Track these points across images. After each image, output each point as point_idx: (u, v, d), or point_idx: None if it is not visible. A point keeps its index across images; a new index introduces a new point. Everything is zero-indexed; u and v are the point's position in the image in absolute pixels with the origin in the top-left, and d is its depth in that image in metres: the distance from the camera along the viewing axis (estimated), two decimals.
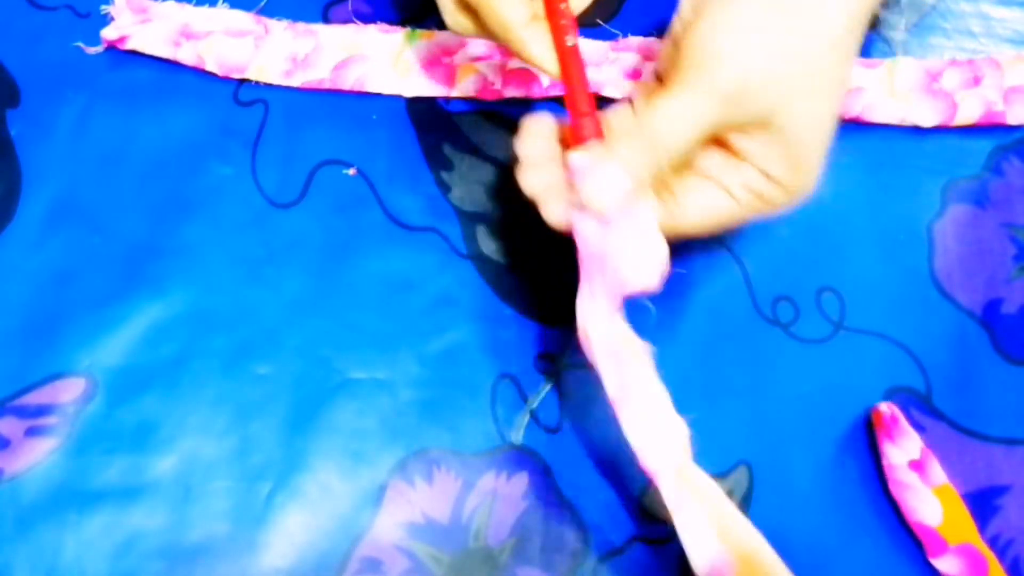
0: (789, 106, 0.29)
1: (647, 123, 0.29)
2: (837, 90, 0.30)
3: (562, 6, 0.31)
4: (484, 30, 0.32)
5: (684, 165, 0.31)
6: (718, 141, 0.30)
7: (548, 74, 0.32)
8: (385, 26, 0.40)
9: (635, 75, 0.39)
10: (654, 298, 0.37)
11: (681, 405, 0.35)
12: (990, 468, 0.35)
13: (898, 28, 0.42)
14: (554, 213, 0.30)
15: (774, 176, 0.30)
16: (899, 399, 0.36)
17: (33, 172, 0.38)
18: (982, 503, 0.35)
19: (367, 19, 0.41)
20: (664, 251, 0.29)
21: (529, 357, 0.36)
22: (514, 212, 0.38)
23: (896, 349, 0.36)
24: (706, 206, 0.30)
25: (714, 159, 0.30)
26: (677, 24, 0.30)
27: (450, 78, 0.39)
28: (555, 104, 0.40)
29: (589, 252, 0.30)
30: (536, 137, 0.31)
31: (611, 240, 0.29)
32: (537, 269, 0.37)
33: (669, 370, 0.36)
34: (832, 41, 0.29)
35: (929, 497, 0.33)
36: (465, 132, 0.39)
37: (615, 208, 0.29)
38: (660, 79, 0.31)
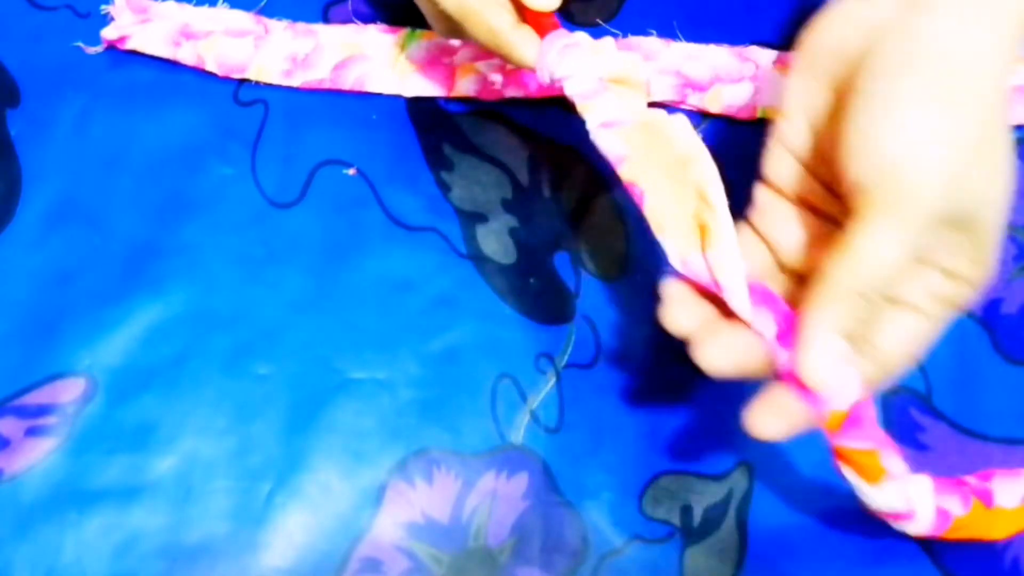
0: (989, 193, 0.26)
1: (858, 274, 0.25)
2: (1009, 153, 0.26)
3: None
4: (471, 36, 0.32)
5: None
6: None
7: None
8: (385, 26, 0.40)
9: None
10: (653, 299, 0.37)
11: (681, 405, 0.35)
12: (990, 468, 0.35)
13: None
14: (713, 359, 0.27)
15: (960, 274, 0.26)
16: (899, 399, 0.36)
17: (33, 172, 0.38)
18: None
19: (367, 19, 0.41)
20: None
21: (529, 357, 0.36)
22: (515, 212, 0.38)
23: None
24: (905, 338, 0.27)
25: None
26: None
27: (450, 78, 0.39)
28: (556, 104, 0.40)
29: None
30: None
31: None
32: (537, 269, 0.37)
33: (669, 370, 0.36)
34: (995, 104, 0.26)
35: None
36: (465, 132, 0.39)
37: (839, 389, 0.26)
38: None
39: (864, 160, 0.25)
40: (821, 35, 0.28)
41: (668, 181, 0.29)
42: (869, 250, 0.25)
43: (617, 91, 0.30)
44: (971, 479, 0.31)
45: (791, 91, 0.29)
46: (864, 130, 0.25)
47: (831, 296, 0.26)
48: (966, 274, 0.26)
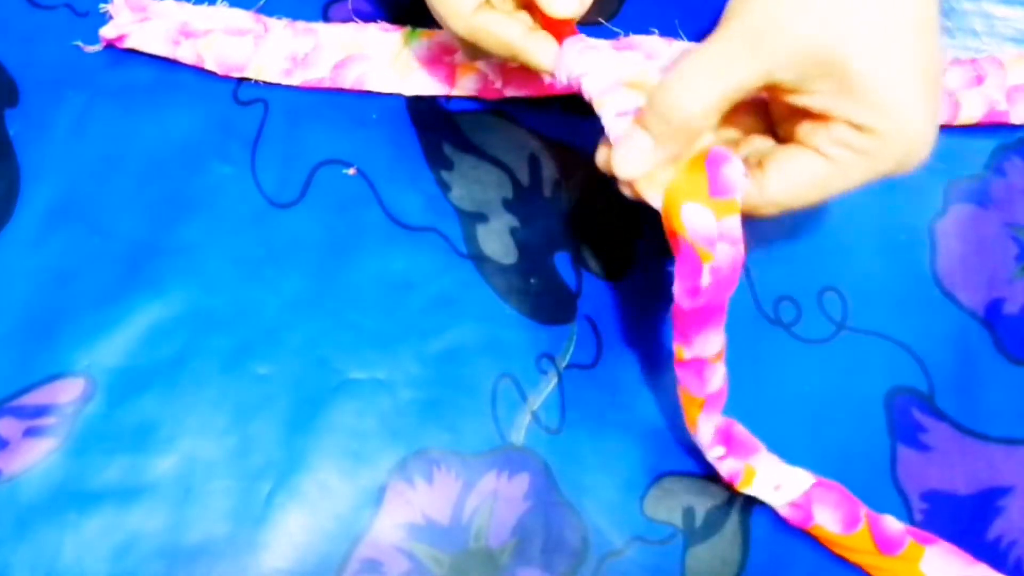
0: (844, 36, 0.26)
1: (665, 87, 0.27)
2: (913, 15, 0.26)
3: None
4: (490, 53, 0.33)
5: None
6: (799, 112, 0.28)
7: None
8: (385, 25, 0.40)
9: None
10: (655, 296, 0.37)
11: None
12: (992, 469, 0.35)
13: None
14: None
15: (864, 125, 0.27)
16: (901, 399, 0.36)
17: (32, 171, 0.38)
18: (984, 504, 0.35)
19: (367, 18, 0.41)
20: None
21: (530, 357, 0.36)
22: (515, 211, 0.38)
23: (898, 349, 0.36)
24: (795, 170, 0.28)
25: (801, 127, 0.28)
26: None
27: (450, 77, 0.39)
28: (557, 103, 0.40)
29: None
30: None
31: None
32: (538, 269, 0.37)
33: (671, 370, 0.36)
34: None
35: None
36: (465, 131, 0.39)
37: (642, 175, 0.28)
38: None
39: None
40: None
41: None
42: (686, 67, 0.27)
43: (634, 90, 0.30)
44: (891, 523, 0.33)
45: None
46: None
47: (648, 99, 0.28)
48: (871, 124, 0.27)
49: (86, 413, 0.34)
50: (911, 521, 0.34)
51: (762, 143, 0.31)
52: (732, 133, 0.32)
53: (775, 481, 0.33)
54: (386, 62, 0.39)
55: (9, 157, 0.38)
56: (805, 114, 0.28)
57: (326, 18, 0.41)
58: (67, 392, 0.34)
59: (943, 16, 0.41)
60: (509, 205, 0.38)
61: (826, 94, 0.27)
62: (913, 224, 0.38)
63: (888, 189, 0.39)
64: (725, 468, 0.33)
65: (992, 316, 0.37)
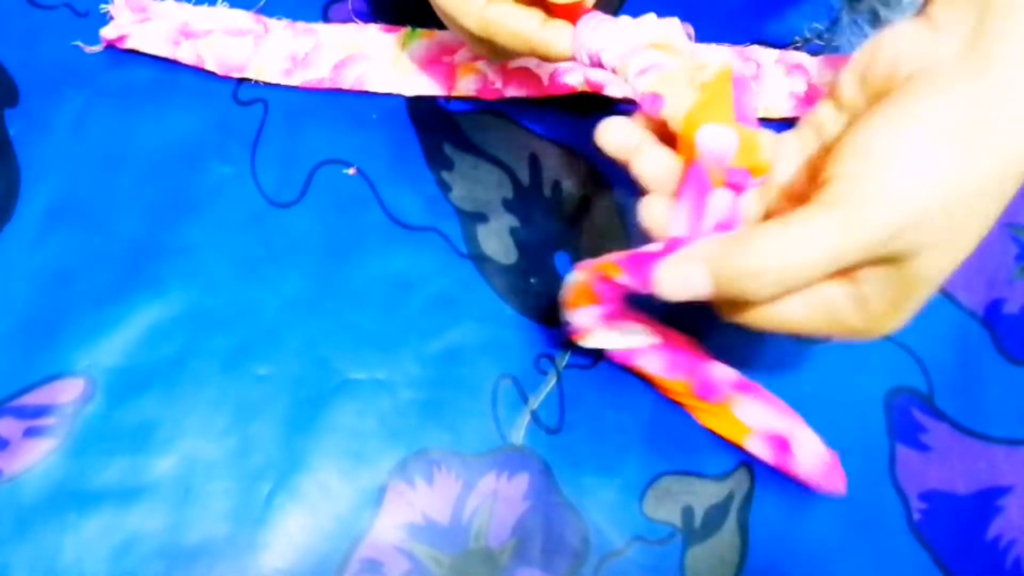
0: (928, 253, 0.25)
1: (761, 251, 0.25)
2: (977, 240, 0.25)
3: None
4: (507, 51, 0.32)
5: None
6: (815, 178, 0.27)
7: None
8: (385, 25, 0.40)
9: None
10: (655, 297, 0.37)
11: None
12: (992, 469, 0.35)
13: None
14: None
15: (870, 309, 0.26)
16: (901, 400, 0.36)
17: (32, 171, 0.38)
18: (983, 504, 0.35)
19: (367, 18, 0.41)
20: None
21: (530, 357, 0.36)
22: (515, 211, 0.38)
23: (898, 350, 0.36)
24: (775, 314, 0.26)
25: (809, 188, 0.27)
26: (837, 100, 0.27)
27: (450, 77, 0.39)
28: (557, 103, 0.40)
29: None
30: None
31: None
32: (538, 269, 0.37)
33: None
34: (1004, 179, 0.25)
35: None
36: (466, 131, 0.39)
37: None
38: (811, 175, 0.27)
39: (856, 155, 0.25)
40: (883, 45, 0.27)
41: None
42: (802, 231, 0.25)
43: (657, 50, 0.29)
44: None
45: (839, 80, 0.28)
46: (873, 131, 0.25)
47: (730, 246, 0.25)
48: (873, 311, 0.26)
49: (86, 413, 0.34)
50: (910, 521, 0.34)
51: None
52: None
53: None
54: (386, 62, 0.39)
55: (9, 157, 0.38)
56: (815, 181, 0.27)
57: (326, 18, 0.41)
58: (67, 392, 0.34)
59: None
60: (509, 205, 0.38)
61: (872, 271, 0.25)
62: None
63: None
64: (577, 320, 0.32)
65: (992, 316, 0.37)
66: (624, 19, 0.30)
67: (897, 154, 0.24)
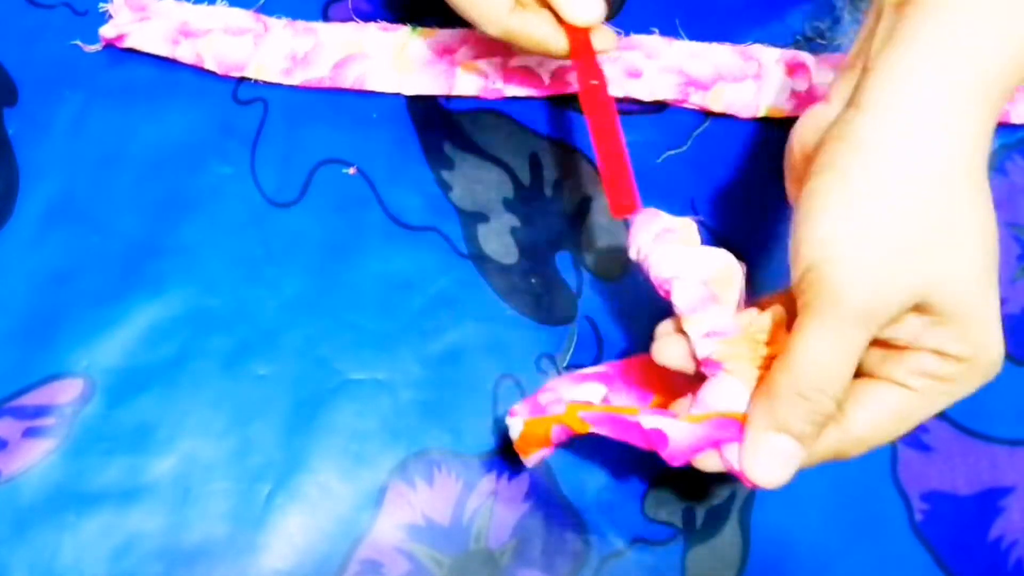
0: (935, 276, 0.25)
1: (796, 377, 0.25)
2: (983, 225, 0.26)
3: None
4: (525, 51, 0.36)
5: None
6: (873, 342, 0.26)
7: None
8: (385, 24, 0.40)
9: (637, 74, 0.39)
10: (657, 297, 0.37)
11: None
12: (994, 469, 0.35)
13: None
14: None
15: (951, 353, 0.26)
16: None
17: (31, 171, 0.37)
18: (985, 504, 0.35)
19: (367, 17, 0.41)
20: None
21: (530, 357, 0.36)
22: (516, 211, 0.38)
23: None
24: (878, 407, 0.26)
25: (873, 357, 0.27)
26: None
27: (451, 76, 0.39)
28: (557, 103, 0.40)
29: None
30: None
31: None
32: (539, 269, 0.37)
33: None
34: (960, 177, 0.25)
35: None
36: (466, 131, 0.39)
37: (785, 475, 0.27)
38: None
39: (796, 263, 0.26)
40: (793, 137, 0.29)
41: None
42: (804, 354, 0.25)
43: (718, 296, 0.28)
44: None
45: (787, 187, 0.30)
46: (796, 233, 0.26)
47: (773, 397, 0.26)
48: (957, 353, 0.26)
49: (85, 414, 0.34)
50: (912, 521, 0.34)
51: None
52: None
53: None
54: (386, 61, 0.39)
55: (8, 156, 0.38)
56: (879, 343, 0.26)
57: (326, 17, 0.41)
58: (66, 392, 0.34)
59: None
60: (510, 205, 0.38)
61: (915, 327, 0.26)
62: None
63: None
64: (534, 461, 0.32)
65: None
66: (677, 226, 0.29)
67: (820, 238, 0.25)
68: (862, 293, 0.24)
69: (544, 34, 0.33)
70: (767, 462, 0.26)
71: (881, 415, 0.27)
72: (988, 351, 0.26)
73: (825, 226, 0.25)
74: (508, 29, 0.33)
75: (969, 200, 0.25)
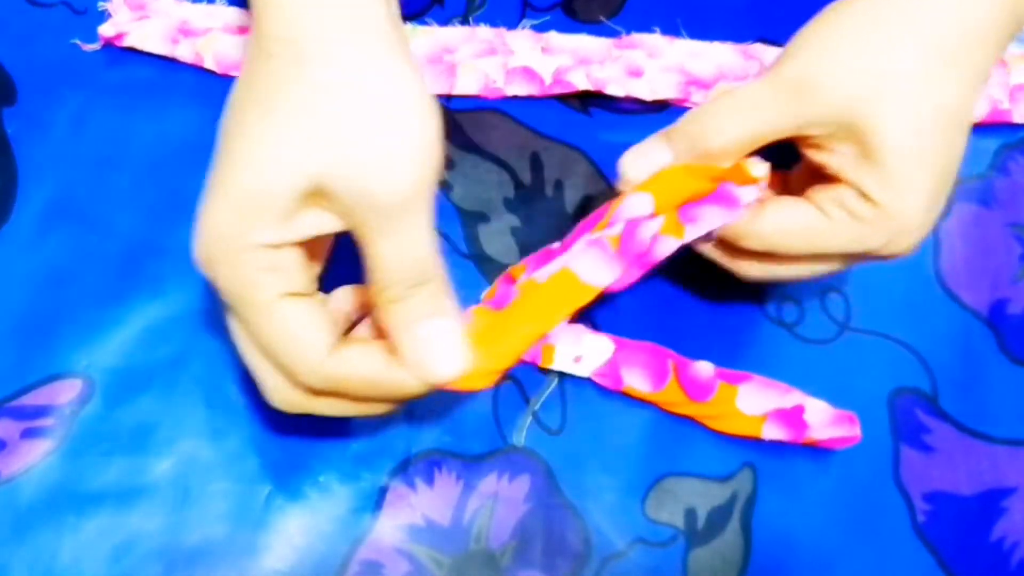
0: (877, 108, 0.26)
1: (698, 117, 0.28)
2: (947, 106, 0.27)
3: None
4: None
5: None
6: (813, 173, 0.29)
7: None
8: None
9: (638, 73, 0.39)
10: (659, 298, 0.37)
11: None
12: (996, 470, 0.35)
13: None
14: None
15: (871, 195, 0.27)
16: (905, 400, 0.36)
17: (29, 171, 0.37)
18: (987, 505, 0.34)
19: None
20: None
21: None
22: (517, 211, 0.38)
23: (902, 350, 0.36)
24: (790, 215, 0.29)
25: (811, 187, 0.29)
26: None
27: (451, 76, 0.39)
28: (558, 102, 0.39)
29: None
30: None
31: None
32: None
33: None
34: (936, 50, 0.26)
35: None
36: (467, 130, 0.39)
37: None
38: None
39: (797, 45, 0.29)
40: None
41: None
42: (720, 101, 0.28)
43: None
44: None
45: None
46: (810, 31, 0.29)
47: (680, 126, 0.29)
48: (876, 197, 0.27)
49: (84, 414, 0.34)
50: (914, 522, 0.34)
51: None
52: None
53: (575, 353, 0.34)
54: None
55: (7, 156, 0.37)
56: (818, 176, 0.29)
57: None
58: (65, 393, 0.34)
59: None
60: (510, 205, 0.38)
61: (845, 156, 0.27)
62: None
63: None
64: None
65: (996, 317, 0.37)
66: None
67: (814, 35, 0.28)
68: (804, 66, 0.28)
69: (375, 372, 0.26)
70: (640, 155, 0.29)
71: (787, 222, 0.29)
72: (904, 207, 0.27)
73: (811, 34, 0.28)
74: (327, 375, 0.26)
75: (961, 72, 0.27)
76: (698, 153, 0.28)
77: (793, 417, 0.34)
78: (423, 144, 0.24)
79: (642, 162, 0.29)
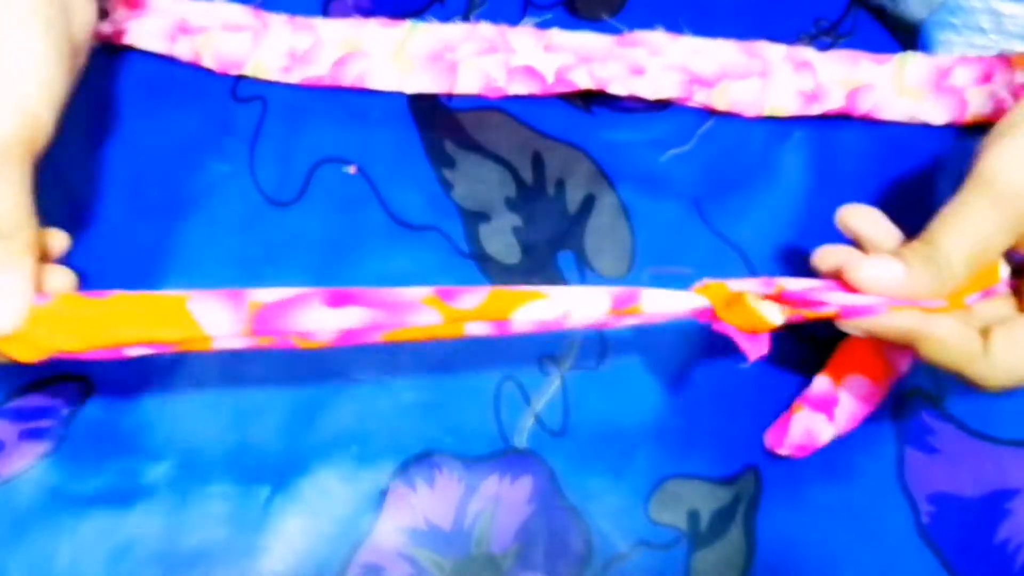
0: None
1: (929, 240, 0.29)
2: None
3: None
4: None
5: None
6: None
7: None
8: (386, 20, 0.40)
9: (640, 71, 0.39)
10: None
11: (686, 407, 0.35)
12: (1000, 471, 0.35)
13: None
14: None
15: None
16: (909, 402, 0.35)
17: None
18: (992, 507, 0.34)
19: (368, 13, 0.40)
20: None
21: (533, 359, 0.35)
22: (518, 210, 0.38)
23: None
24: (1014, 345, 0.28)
25: None
26: None
27: (452, 74, 0.39)
28: (560, 101, 0.39)
29: None
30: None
31: None
32: (541, 268, 0.37)
33: (674, 371, 0.36)
34: None
35: None
36: (468, 129, 0.39)
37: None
38: None
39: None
40: None
41: None
42: (939, 225, 0.29)
43: None
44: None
45: None
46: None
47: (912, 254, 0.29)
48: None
49: (82, 415, 0.34)
50: (919, 523, 0.34)
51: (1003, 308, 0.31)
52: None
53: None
54: (387, 59, 0.39)
55: None
56: None
57: (326, 14, 0.40)
58: (63, 394, 0.34)
59: (950, 13, 0.41)
60: (512, 204, 0.38)
61: None
62: (921, 224, 0.38)
63: (894, 189, 0.38)
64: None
65: None
66: None
67: (1011, 144, 0.29)
68: (1013, 178, 0.28)
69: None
70: (878, 274, 0.29)
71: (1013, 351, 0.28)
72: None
73: (1008, 141, 0.29)
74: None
75: None
76: (943, 277, 0.29)
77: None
78: (20, 108, 0.28)
79: (883, 282, 0.29)
